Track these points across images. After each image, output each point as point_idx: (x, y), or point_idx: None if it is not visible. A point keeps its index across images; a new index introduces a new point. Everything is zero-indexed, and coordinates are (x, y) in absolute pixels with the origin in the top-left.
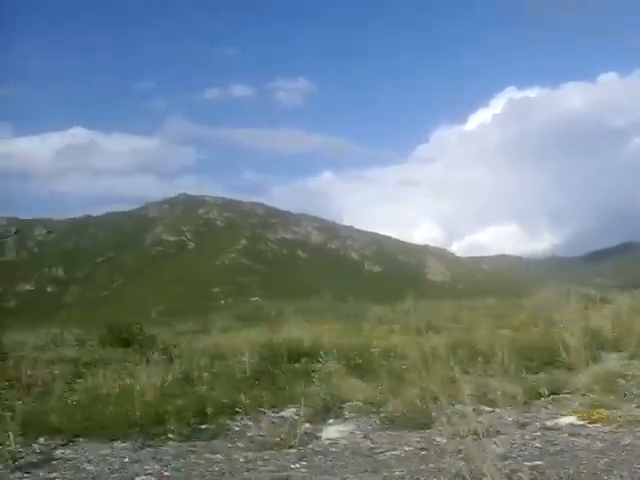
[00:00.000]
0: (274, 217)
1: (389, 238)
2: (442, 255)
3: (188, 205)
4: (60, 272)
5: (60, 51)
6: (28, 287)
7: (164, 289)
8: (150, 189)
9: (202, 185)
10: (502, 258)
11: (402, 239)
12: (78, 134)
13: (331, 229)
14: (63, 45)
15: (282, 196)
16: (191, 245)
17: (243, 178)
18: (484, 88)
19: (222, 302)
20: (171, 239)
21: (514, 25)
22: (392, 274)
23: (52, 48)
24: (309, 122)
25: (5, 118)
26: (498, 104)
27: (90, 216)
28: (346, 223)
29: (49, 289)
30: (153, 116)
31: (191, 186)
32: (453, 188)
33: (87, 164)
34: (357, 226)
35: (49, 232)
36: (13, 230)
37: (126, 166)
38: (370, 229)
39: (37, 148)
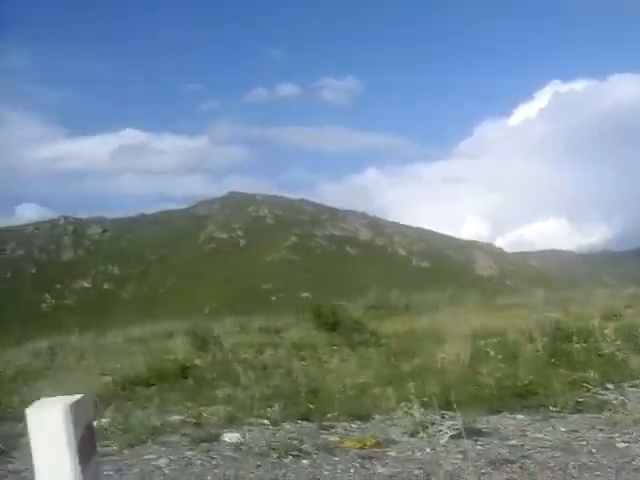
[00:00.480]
0: (322, 214)
1: (436, 234)
2: (490, 250)
3: (238, 203)
4: (115, 270)
5: (113, 56)
6: (85, 284)
7: (217, 286)
8: (198, 188)
9: (249, 184)
10: (550, 253)
11: (449, 235)
12: (130, 135)
13: (378, 225)
14: (116, 50)
15: (328, 193)
16: (242, 242)
17: (289, 176)
18: (528, 81)
19: (273, 298)
20: (223, 237)
21: (556, 17)
22: (440, 270)
23: (105, 53)
24: (354, 120)
25: (61, 121)
26: (543, 97)
27: (143, 214)
28: (391, 220)
29: (105, 286)
30: (202, 117)
31: (238, 185)
32: (498, 183)
33: (139, 164)
34: (402, 222)
35: (104, 231)
36: (70, 229)
37: (175, 166)
38: (415, 225)
39: (91, 149)
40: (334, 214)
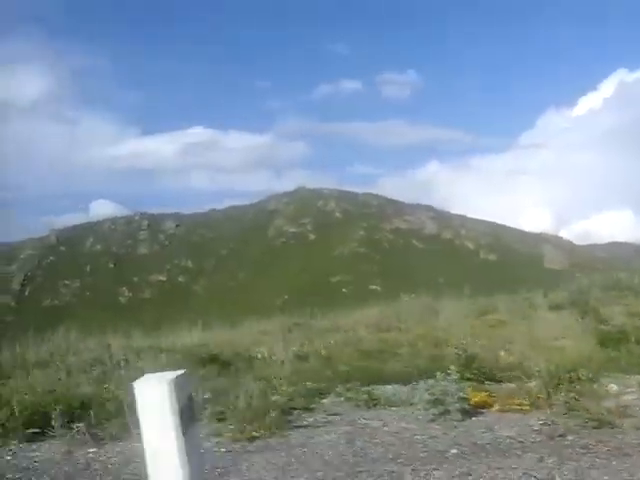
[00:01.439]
0: (388, 208)
1: (503, 227)
2: (558, 243)
3: (306, 198)
4: (189, 263)
5: (183, 56)
6: (161, 278)
7: (287, 279)
8: (264, 184)
9: (313, 179)
10: (615, 245)
11: (516, 227)
12: (199, 133)
13: (444, 218)
14: (186, 51)
15: (390, 187)
16: (311, 236)
17: (352, 171)
18: (593, 71)
19: (343, 290)
20: (292, 231)
21: (622, 3)
22: (508, 262)
23: (175, 54)
24: (416, 114)
25: (133, 120)
26: (608, 87)
27: (215, 209)
28: (454, 213)
29: (180, 279)
30: (267, 114)
31: (302, 180)
32: (561, 175)
33: (207, 161)
34: (466, 215)
35: (178, 225)
36: (145, 224)
37: (241, 162)
38: (480, 218)
39: (162, 147)
40: (400, 208)
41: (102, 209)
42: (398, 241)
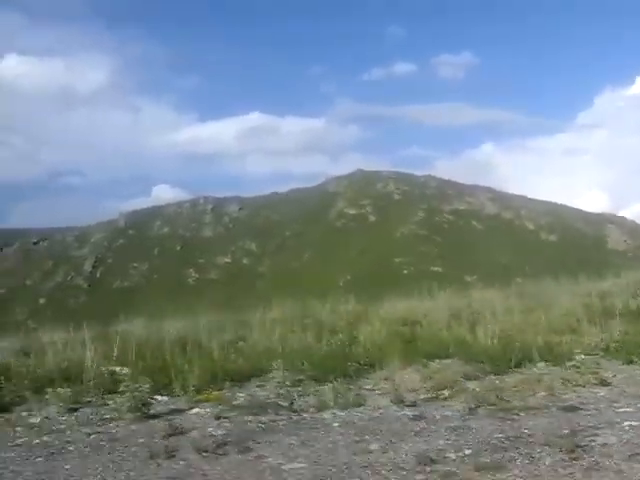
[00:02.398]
0: (447, 189)
1: (565, 207)
2: (622, 223)
3: (365, 180)
4: (253, 246)
5: (239, 42)
6: (226, 260)
7: (349, 260)
8: (320, 167)
9: (368, 161)
10: None
11: (577, 208)
12: (255, 118)
13: (504, 199)
14: (242, 36)
15: (446, 169)
16: (371, 218)
17: (407, 153)
18: None
19: (405, 272)
20: (352, 212)
21: None
22: (570, 243)
23: (231, 40)
24: (470, 95)
25: (192, 107)
26: None
27: (276, 193)
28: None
29: (244, 261)
30: (323, 98)
31: (357, 163)
32: (619, 155)
33: (264, 145)
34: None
35: (241, 209)
36: (209, 208)
37: (297, 146)
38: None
39: (220, 132)
40: (459, 189)
41: (163, 193)
42: (458, 222)
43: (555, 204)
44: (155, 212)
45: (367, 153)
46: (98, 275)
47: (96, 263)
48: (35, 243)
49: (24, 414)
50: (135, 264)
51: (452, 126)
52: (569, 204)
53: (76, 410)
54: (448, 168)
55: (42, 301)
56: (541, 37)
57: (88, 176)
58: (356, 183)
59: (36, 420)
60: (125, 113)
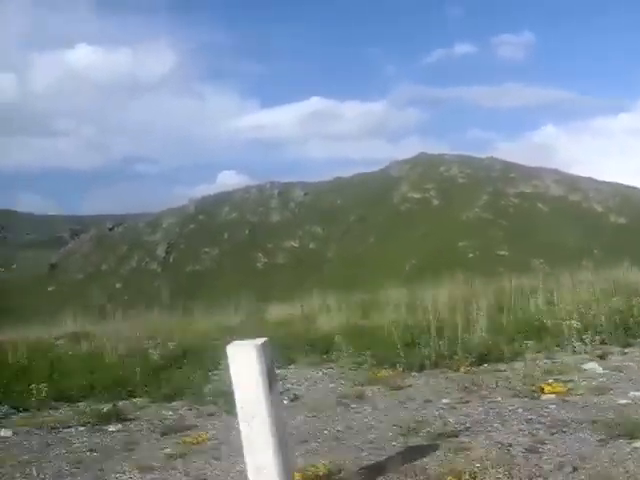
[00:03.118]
0: (512, 171)
1: (634, 189)
2: None
3: (428, 163)
4: (319, 230)
5: (300, 28)
6: (293, 244)
7: (414, 245)
8: (380, 151)
9: (428, 144)
10: None
11: None
12: (316, 103)
13: (570, 181)
14: (302, 22)
15: (507, 151)
16: (435, 202)
17: (467, 136)
18: None
19: (470, 255)
20: (416, 196)
21: None
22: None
23: (292, 26)
24: (531, 75)
25: (255, 93)
26: None
27: (340, 177)
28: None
29: (311, 246)
30: (382, 81)
31: (417, 146)
32: None
33: (324, 130)
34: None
35: (306, 194)
36: (276, 193)
37: (358, 130)
38: (605, 180)
39: (282, 118)
40: (524, 171)
41: (228, 179)
42: (523, 205)
43: (623, 186)
44: (223, 198)
45: (427, 136)
46: (171, 260)
47: (169, 248)
48: (110, 229)
49: None
50: (206, 249)
51: (512, 107)
52: (637, 186)
53: None
54: (508, 151)
55: (118, 285)
56: (603, 15)
57: (156, 163)
58: (419, 167)
59: None
60: (190, 100)
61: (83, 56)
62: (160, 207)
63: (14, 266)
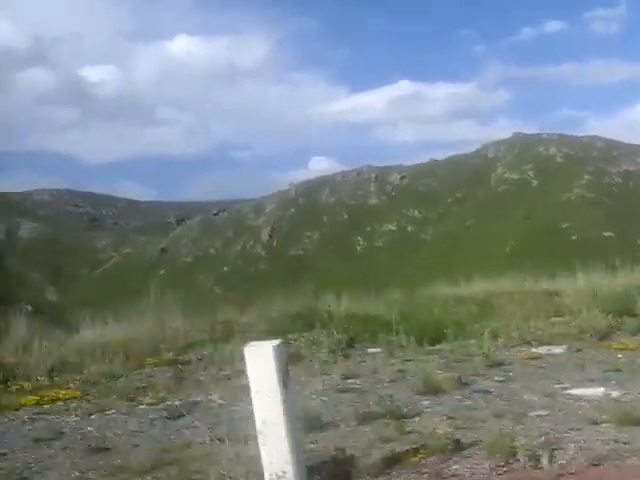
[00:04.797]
0: (614, 150)
1: None
2: None
3: (525, 143)
4: (416, 213)
5: (386, 11)
6: (391, 227)
7: (512, 226)
8: (470, 133)
9: (518, 126)
10: None
11: None
12: (405, 86)
13: None
14: (388, 5)
15: (603, 129)
16: (534, 182)
17: (559, 115)
18: None
19: (573, 237)
20: (514, 177)
21: None
22: None
23: (379, 9)
24: (624, 50)
25: (344, 78)
26: None
27: (435, 160)
28: None
29: (409, 228)
30: (471, 62)
31: (508, 127)
32: None
33: (414, 113)
34: None
35: (403, 177)
36: (373, 176)
37: (447, 112)
38: None
39: (372, 103)
40: (626, 149)
41: (319, 164)
42: (627, 184)
43: None
44: (322, 182)
45: (517, 117)
46: (275, 243)
47: (272, 232)
48: (215, 214)
49: None
50: (307, 233)
51: (605, 85)
52: None
53: None
54: (604, 128)
55: (225, 269)
56: None
57: (251, 150)
58: (516, 147)
59: None
60: (283, 87)
61: (182, 47)
62: (256, 193)
63: (127, 251)
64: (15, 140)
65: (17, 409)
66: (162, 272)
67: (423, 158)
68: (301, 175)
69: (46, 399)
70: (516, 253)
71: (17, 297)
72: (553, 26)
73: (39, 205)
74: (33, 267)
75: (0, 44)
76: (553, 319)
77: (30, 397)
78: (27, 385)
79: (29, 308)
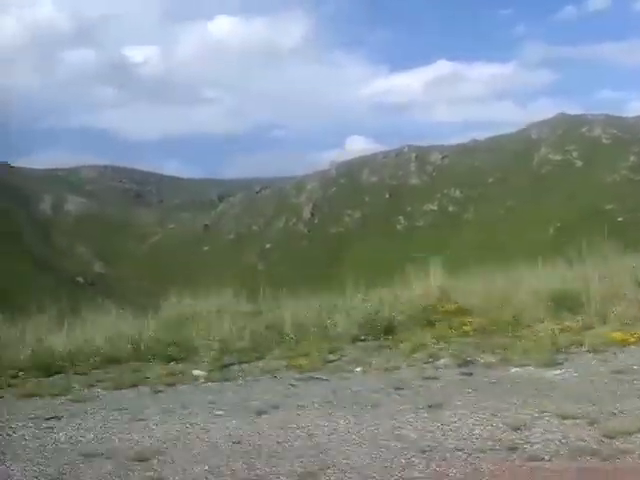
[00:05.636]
0: None
1: None
2: None
3: (568, 124)
4: (457, 193)
5: None
6: (432, 207)
7: (556, 207)
8: (509, 113)
9: (559, 107)
10: None
11: None
12: (443, 66)
13: None
14: None
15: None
16: (578, 163)
17: (601, 96)
18: None
19: (619, 219)
20: (557, 158)
21: None
22: None
23: None
24: None
25: (383, 58)
26: None
27: (476, 140)
28: None
29: (450, 209)
30: (511, 42)
31: (549, 108)
32: None
33: (452, 93)
34: None
35: (444, 157)
36: (413, 156)
37: (487, 92)
38: None
39: (410, 83)
40: None
41: (356, 144)
42: None
43: None
44: (363, 161)
45: (558, 97)
46: (316, 221)
47: (313, 210)
48: (257, 192)
49: None
50: (348, 211)
51: None
52: None
53: None
54: None
55: (268, 246)
56: None
57: (290, 129)
58: (559, 128)
59: None
60: (323, 67)
61: (222, 27)
62: (294, 172)
63: (171, 227)
64: (62, 118)
65: None
66: (206, 248)
67: (463, 139)
68: (338, 154)
69: None
70: (561, 235)
71: (67, 270)
72: (596, 3)
73: (86, 181)
74: (81, 241)
75: (47, 25)
76: None
77: None
78: None
79: (80, 280)
